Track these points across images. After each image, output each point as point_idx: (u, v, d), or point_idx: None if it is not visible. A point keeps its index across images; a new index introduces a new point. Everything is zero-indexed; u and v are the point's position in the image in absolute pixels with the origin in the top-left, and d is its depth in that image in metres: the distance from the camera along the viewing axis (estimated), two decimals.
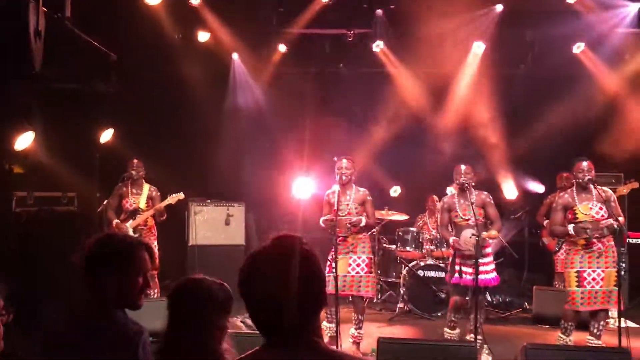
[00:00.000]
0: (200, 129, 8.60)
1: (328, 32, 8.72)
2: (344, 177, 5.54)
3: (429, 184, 8.54)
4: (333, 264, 5.28)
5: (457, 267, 5.50)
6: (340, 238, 5.44)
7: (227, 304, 2.20)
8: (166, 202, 6.58)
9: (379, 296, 8.11)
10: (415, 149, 9.22)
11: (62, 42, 6.67)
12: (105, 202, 6.62)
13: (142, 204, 6.59)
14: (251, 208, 8.84)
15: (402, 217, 8.10)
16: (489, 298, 7.87)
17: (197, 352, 2.08)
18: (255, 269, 1.53)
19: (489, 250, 5.53)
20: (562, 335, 5.29)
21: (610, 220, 5.08)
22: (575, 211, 5.25)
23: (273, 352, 1.52)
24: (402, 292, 7.51)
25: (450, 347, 4.60)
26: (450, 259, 5.70)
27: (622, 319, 5.02)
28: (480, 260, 5.23)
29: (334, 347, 5.03)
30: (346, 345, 5.53)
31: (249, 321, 5.18)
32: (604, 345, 5.21)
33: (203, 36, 8.21)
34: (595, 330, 5.21)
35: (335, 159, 5.73)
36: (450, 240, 5.51)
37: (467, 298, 5.50)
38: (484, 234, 5.34)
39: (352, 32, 8.51)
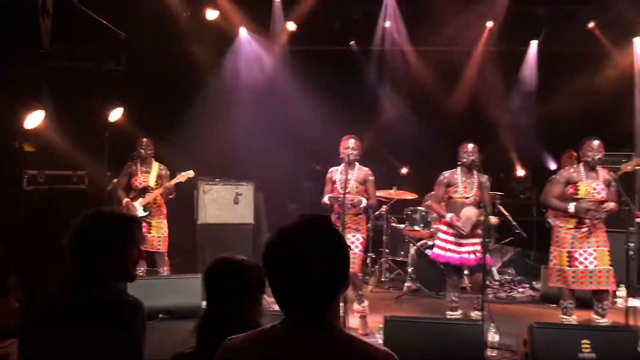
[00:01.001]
0: (209, 107, 8.59)
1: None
2: (350, 157, 5.53)
3: (438, 163, 8.49)
4: None
5: (441, 244, 5.55)
6: (337, 215, 5.46)
7: (261, 282, 2.21)
8: (176, 180, 6.61)
9: (387, 275, 8.15)
10: (425, 128, 9.19)
11: (71, 20, 6.68)
12: (114, 180, 6.66)
13: (152, 182, 6.62)
14: (260, 187, 8.86)
15: (411, 196, 8.10)
16: (497, 277, 7.90)
17: (239, 328, 2.12)
18: (282, 245, 1.54)
19: (479, 231, 5.52)
20: (563, 316, 5.30)
21: (612, 205, 5.06)
22: (577, 187, 5.21)
23: (292, 329, 1.54)
24: (410, 271, 7.54)
25: (457, 326, 4.63)
26: (439, 235, 5.70)
27: (630, 298, 5.03)
28: (470, 240, 5.34)
29: (351, 333, 5.09)
30: (353, 322, 5.58)
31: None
32: (610, 323, 5.22)
33: (211, 14, 8.17)
34: (599, 310, 5.21)
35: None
36: (448, 216, 5.49)
37: (462, 277, 5.57)
38: (492, 218, 5.36)
39: (361, 10, 8.45)
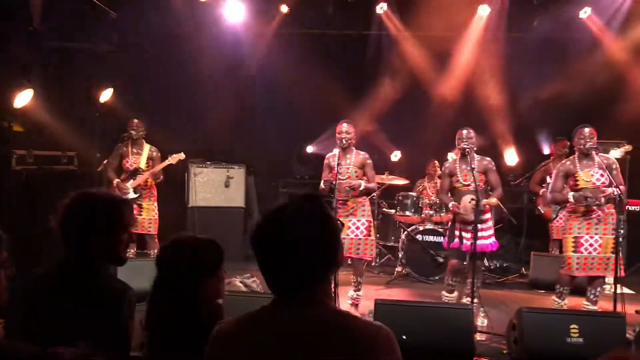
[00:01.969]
0: (201, 89, 8.53)
1: None
2: (344, 141, 5.51)
3: (429, 149, 8.53)
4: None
5: (456, 232, 5.51)
6: (340, 202, 5.45)
7: (216, 260, 2.15)
8: (167, 162, 6.57)
9: (377, 260, 8.18)
10: (417, 114, 9.17)
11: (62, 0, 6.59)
12: (105, 161, 6.61)
13: (143, 164, 6.57)
14: (252, 171, 8.84)
15: (402, 181, 8.11)
16: (486, 263, 7.94)
17: (183, 309, 2.06)
18: (273, 224, 1.53)
19: (488, 215, 5.54)
20: (556, 299, 5.35)
21: (610, 189, 5.07)
22: (576, 178, 5.24)
23: (282, 309, 1.53)
24: (400, 256, 7.57)
25: (446, 310, 4.65)
26: (450, 224, 5.71)
27: (618, 285, 5.07)
28: (479, 226, 5.25)
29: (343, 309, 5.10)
30: (344, 307, 5.60)
31: (248, 281, 5.23)
32: (599, 309, 5.27)
33: None
34: (592, 296, 5.26)
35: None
36: (450, 205, 5.51)
37: (465, 262, 5.54)
38: (484, 200, 5.35)
39: None
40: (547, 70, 8.76)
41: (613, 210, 5.22)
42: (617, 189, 5.03)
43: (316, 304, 1.52)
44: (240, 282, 5.11)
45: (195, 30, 8.29)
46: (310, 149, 9.40)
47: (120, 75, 7.42)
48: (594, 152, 5.20)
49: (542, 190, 7.41)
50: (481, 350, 4.65)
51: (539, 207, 7.62)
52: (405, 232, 7.61)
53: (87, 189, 2.31)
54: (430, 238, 7.46)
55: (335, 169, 5.45)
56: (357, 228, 5.51)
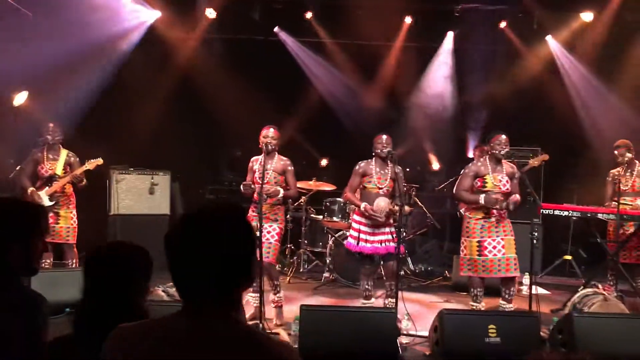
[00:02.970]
0: (122, 92, 8.27)
1: None
2: (269, 146, 5.48)
3: (357, 155, 8.60)
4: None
5: (355, 234, 5.62)
6: (254, 205, 5.42)
7: (145, 267, 2.14)
8: (84, 168, 6.29)
9: (306, 266, 8.18)
10: (344, 120, 9.28)
11: None
12: (18, 167, 6.28)
13: (59, 170, 6.27)
14: (177, 177, 8.65)
15: (330, 187, 8.15)
16: (411, 267, 8.11)
17: (115, 317, 2.01)
18: (185, 231, 1.49)
19: (392, 221, 5.64)
20: (473, 303, 5.50)
21: (518, 197, 5.31)
22: (485, 179, 5.41)
23: (183, 319, 1.48)
24: (328, 261, 7.60)
25: (371, 314, 4.69)
26: (353, 225, 5.79)
27: (534, 286, 5.29)
28: (383, 230, 5.45)
29: (253, 324, 5.05)
30: (270, 312, 5.56)
31: (171, 290, 5.10)
32: (515, 309, 5.47)
33: None
34: (506, 296, 5.43)
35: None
36: (362, 206, 5.57)
37: (377, 265, 5.67)
38: (406, 207, 5.47)
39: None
40: (471, 79, 9.09)
41: (507, 216, 5.43)
42: (532, 195, 5.28)
43: (221, 317, 1.47)
44: (163, 291, 4.97)
45: (117, 33, 8.05)
46: (239, 151, 9.33)
47: (36, 77, 7.08)
48: (503, 160, 5.43)
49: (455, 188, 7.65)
50: (405, 353, 4.74)
51: (460, 211, 7.84)
52: (333, 238, 7.64)
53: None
54: None
55: (256, 172, 5.42)
56: (269, 232, 5.47)
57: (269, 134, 5.54)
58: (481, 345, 4.32)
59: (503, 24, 8.77)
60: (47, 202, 6.14)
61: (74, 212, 6.40)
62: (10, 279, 2.09)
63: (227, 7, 8.54)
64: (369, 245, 5.56)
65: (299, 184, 7.56)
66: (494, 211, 5.35)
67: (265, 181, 5.38)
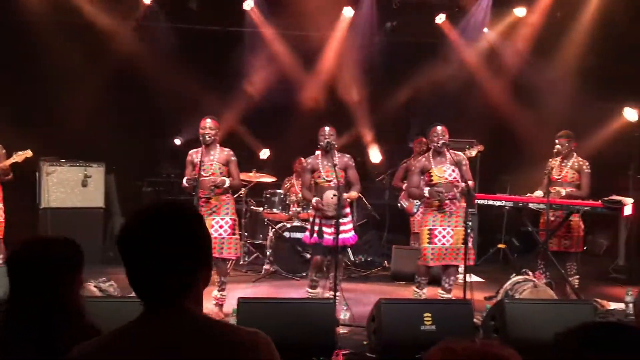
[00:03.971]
0: (51, 80, 7.93)
1: None
2: (207, 137, 5.40)
3: (297, 147, 8.60)
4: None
5: (316, 228, 5.61)
6: (202, 199, 5.33)
7: (75, 260, 2.06)
8: (11, 160, 6.02)
9: (246, 258, 8.12)
10: (285, 112, 9.23)
11: None
12: None
13: None
14: (112, 168, 8.40)
15: (270, 179, 8.12)
16: (352, 257, 8.17)
17: (47, 316, 1.92)
18: (138, 228, 1.45)
19: (347, 210, 5.70)
20: (416, 290, 5.61)
21: (463, 184, 5.43)
22: (431, 173, 5.53)
23: (153, 320, 1.43)
24: (268, 253, 7.56)
25: (308, 305, 4.70)
26: (311, 220, 5.80)
27: (469, 274, 5.43)
28: (340, 220, 5.38)
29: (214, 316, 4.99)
30: (209, 307, 5.49)
31: (103, 285, 4.94)
32: (452, 298, 5.60)
33: None
34: (446, 285, 5.57)
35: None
36: (313, 200, 5.58)
37: (327, 257, 5.66)
38: (345, 195, 5.49)
39: None
40: (409, 72, 9.21)
41: (464, 204, 5.58)
42: (466, 184, 5.38)
43: (189, 312, 1.44)
44: (95, 286, 4.81)
45: (48, 18, 7.72)
46: (178, 141, 9.16)
47: None
48: (445, 149, 5.52)
49: (405, 185, 7.76)
50: (343, 343, 4.75)
51: (401, 202, 7.96)
52: (273, 230, 7.61)
53: None
54: (298, 235, 7.49)
55: (198, 165, 5.33)
56: (221, 227, 5.41)
57: (207, 124, 5.45)
58: (417, 333, 4.39)
59: (440, 18, 8.91)
60: None
61: (1, 205, 6.13)
62: None
63: None
64: (327, 237, 5.52)
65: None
66: (447, 202, 5.45)
67: (210, 172, 5.30)
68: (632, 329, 1.31)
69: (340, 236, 5.41)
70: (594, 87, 8.09)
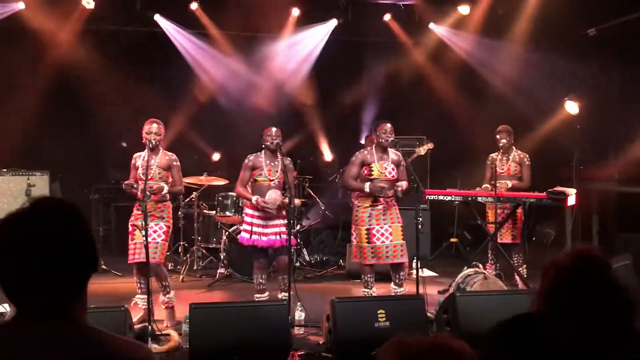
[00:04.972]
0: None
1: None
2: (152, 142, 5.29)
3: (248, 148, 8.51)
4: (137, 231, 5.16)
5: (248, 228, 5.59)
6: (138, 203, 5.23)
7: None
8: None
9: (200, 263, 8.00)
10: (236, 114, 9.15)
11: None
12: None
13: None
14: (58, 177, 8.14)
15: (222, 182, 8.02)
16: (307, 257, 8.16)
17: None
18: (11, 232, 1.35)
19: (284, 212, 5.64)
20: (365, 290, 5.62)
21: (405, 183, 5.50)
22: (371, 167, 5.53)
23: (26, 327, 1.35)
24: (222, 257, 7.47)
25: (261, 307, 4.68)
26: (246, 219, 5.74)
27: (421, 269, 5.49)
28: (276, 222, 5.49)
29: (141, 327, 4.87)
30: (161, 314, 5.38)
31: None
32: (405, 292, 5.65)
33: None
34: (397, 281, 5.59)
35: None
36: (253, 199, 5.53)
37: (271, 258, 5.67)
38: (297, 200, 5.49)
39: None
40: (360, 70, 9.26)
41: (395, 203, 5.62)
42: (417, 183, 5.45)
43: (70, 319, 1.37)
44: None
45: None
46: (124, 144, 8.94)
47: None
48: (389, 148, 5.57)
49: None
50: (299, 344, 4.74)
51: (352, 200, 7.97)
52: (227, 233, 7.52)
53: None
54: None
55: (140, 169, 5.25)
56: (155, 232, 5.29)
57: (152, 129, 5.35)
58: (371, 330, 4.42)
59: (387, 17, 8.99)
60: None
61: None
62: None
63: None
64: (264, 238, 5.53)
65: (190, 179, 7.40)
66: (381, 199, 5.48)
67: (150, 177, 5.19)
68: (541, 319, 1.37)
69: (269, 238, 5.48)
70: (536, 81, 8.31)
